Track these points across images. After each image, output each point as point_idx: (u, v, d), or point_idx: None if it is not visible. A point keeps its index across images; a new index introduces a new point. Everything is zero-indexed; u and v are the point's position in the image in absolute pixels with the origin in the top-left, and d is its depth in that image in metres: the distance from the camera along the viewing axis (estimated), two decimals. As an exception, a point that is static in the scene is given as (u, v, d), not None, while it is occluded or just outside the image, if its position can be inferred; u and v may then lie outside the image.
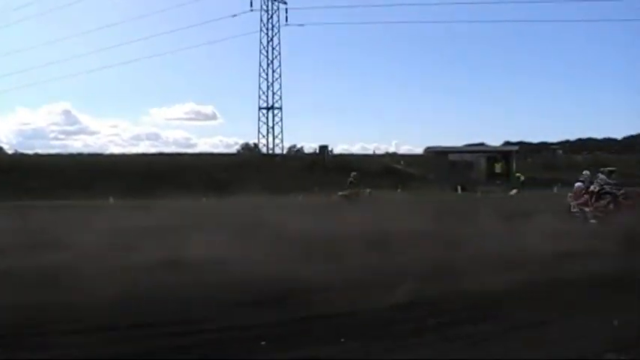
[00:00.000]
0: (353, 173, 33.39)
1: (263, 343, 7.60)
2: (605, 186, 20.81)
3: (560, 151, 78.68)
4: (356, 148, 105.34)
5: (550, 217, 18.85)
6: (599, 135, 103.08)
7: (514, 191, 43.83)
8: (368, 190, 32.66)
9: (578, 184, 21.69)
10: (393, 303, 9.27)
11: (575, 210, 20.95)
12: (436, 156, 56.61)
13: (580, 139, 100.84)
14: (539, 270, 11.64)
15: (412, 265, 11.88)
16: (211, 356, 7.32)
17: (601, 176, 21.30)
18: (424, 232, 15.73)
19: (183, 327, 8.36)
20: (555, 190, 41.53)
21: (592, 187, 21.08)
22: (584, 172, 22.56)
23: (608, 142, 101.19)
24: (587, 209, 20.47)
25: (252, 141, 79.10)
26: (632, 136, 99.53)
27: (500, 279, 10.53)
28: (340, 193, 32.40)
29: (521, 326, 8.41)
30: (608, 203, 20.54)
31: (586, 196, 20.86)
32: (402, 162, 59.37)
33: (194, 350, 7.48)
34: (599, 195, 20.67)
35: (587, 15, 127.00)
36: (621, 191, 20.73)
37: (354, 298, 9.46)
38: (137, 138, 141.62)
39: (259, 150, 69.92)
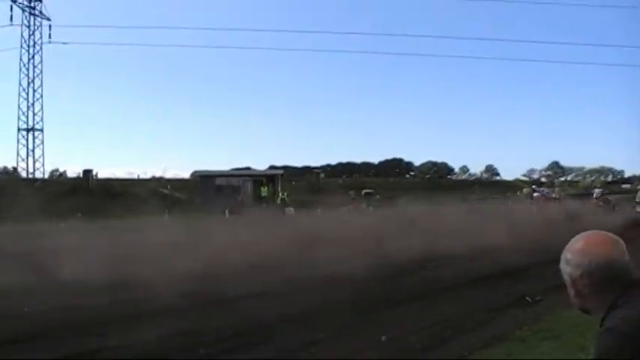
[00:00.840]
0: (351, 192, 47.56)
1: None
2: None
3: (323, 175, 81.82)
4: (122, 173, 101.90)
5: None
6: (357, 159, 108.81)
7: (290, 209, 44.81)
8: (364, 205, 44.68)
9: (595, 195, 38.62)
10: (165, 334, 8.92)
11: None
12: (203, 180, 56.44)
13: (340, 163, 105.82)
14: (326, 290, 11.96)
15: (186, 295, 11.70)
16: None
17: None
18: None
19: None
20: (319, 211, 42.97)
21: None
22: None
23: (366, 166, 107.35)
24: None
25: (10, 164, 73.77)
26: (387, 161, 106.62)
27: (285, 301, 10.78)
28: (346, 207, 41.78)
29: (292, 349, 8.48)
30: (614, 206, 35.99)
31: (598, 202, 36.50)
32: (168, 186, 58.32)
33: None
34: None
35: (336, 44, 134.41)
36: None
37: (127, 330, 9.06)
38: None
39: (18, 174, 65.10)
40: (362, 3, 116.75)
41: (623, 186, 70.06)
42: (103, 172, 69.12)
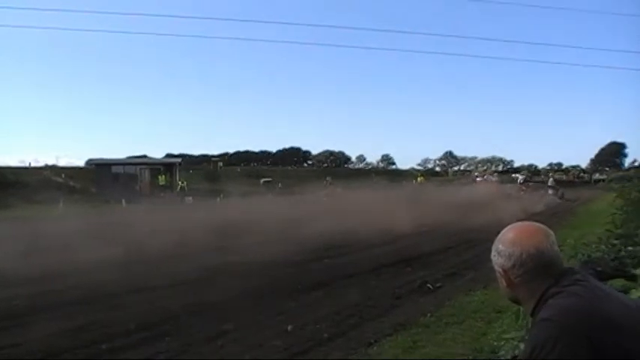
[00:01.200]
0: (328, 177, 52.14)
1: None
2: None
3: (221, 163, 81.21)
4: (13, 161, 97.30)
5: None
6: (255, 148, 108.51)
7: (190, 198, 44.36)
8: (339, 189, 46.91)
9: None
10: (69, 328, 8.64)
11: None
12: (98, 168, 54.78)
13: (238, 152, 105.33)
14: (230, 279, 12.01)
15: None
16: None
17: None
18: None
19: None
20: (219, 200, 42.64)
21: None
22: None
23: (264, 154, 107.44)
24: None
25: None
26: (284, 149, 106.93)
27: (190, 292, 10.74)
28: (323, 192, 45.01)
29: (197, 341, 8.31)
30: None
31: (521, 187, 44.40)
32: (63, 175, 56.26)
33: None
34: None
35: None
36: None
37: (29, 326, 8.69)
38: None
39: None
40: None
41: (513, 175, 73.17)
42: (-9, 161, 66.11)
